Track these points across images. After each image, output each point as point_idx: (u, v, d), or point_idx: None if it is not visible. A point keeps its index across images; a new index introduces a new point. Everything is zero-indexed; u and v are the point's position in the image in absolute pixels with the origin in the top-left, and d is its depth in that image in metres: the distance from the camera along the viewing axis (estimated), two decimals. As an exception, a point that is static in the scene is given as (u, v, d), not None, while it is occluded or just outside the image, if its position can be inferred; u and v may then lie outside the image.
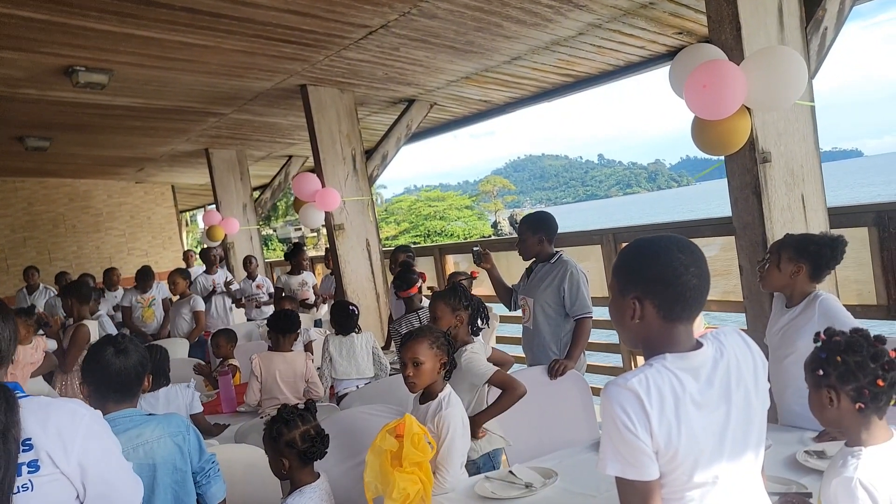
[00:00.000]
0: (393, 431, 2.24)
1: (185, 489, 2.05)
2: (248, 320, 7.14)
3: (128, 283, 7.88)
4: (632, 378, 1.32)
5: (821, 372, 1.57)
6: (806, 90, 3.25)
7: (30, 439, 1.48)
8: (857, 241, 3.81)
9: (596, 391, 3.58)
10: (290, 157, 9.99)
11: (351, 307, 4.30)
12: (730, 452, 1.36)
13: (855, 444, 1.58)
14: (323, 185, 6.07)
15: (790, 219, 3.39)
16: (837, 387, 1.56)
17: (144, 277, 6.90)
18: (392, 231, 43.41)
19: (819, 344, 1.62)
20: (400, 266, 5.03)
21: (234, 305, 7.27)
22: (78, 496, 1.56)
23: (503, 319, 5.86)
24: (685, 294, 1.36)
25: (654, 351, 1.39)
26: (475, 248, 3.91)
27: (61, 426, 1.52)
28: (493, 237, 34.89)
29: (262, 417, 3.55)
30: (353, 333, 4.23)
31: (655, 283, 1.37)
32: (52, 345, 4.52)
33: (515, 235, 3.92)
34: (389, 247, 6.57)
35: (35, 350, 4.61)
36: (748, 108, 3.12)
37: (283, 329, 3.96)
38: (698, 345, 1.40)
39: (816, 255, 2.52)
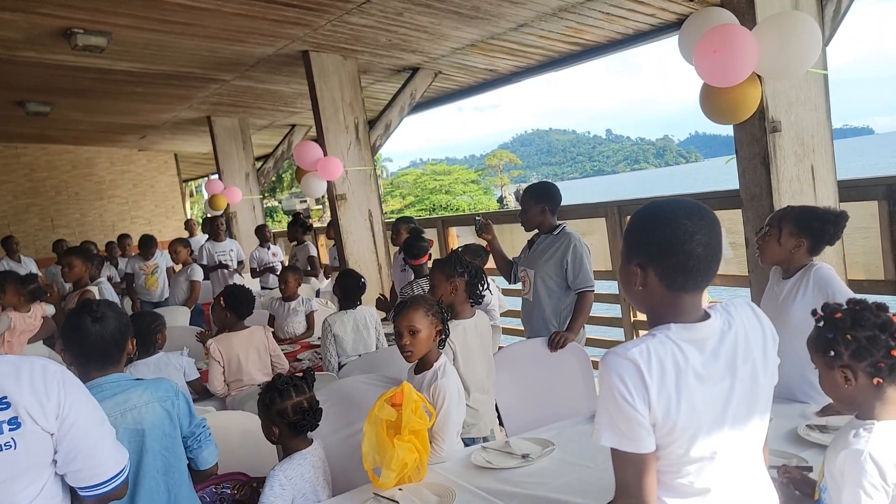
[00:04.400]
0: (390, 400, 2.22)
1: (175, 454, 2.02)
2: (263, 289, 7.13)
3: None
4: (632, 348, 1.27)
5: (832, 353, 1.52)
6: (819, 58, 3.15)
7: (6, 397, 1.46)
8: (867, 215, 3.73)
9: (596, 364, 3.54)
10: (293, 126, 9.91)
11: (361, 280, 4.18)
12: (730, 427, 1.31)
13: (867, 417, 1.53)
14: (325, 154, 6.00)
15: (798, 190, 3.32)
16: (853, 365, 1.51)
17: (146, 245, 6.90)
18: (397, 204, 43.25)
19: (821, 324, 1.56)
20: (409, 234, 4.99)
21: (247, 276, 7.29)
22: (55, 452, 1.54)
23: (503, 293, 5.82)
24: (688, 264, 1.29)
25: (660, 320, 1.34)
26: (477, 219, 3.85)
27: (35, 382, 1.49)
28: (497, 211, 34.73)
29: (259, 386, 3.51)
30: (357, 307, 4.12)
31: (658, 250, 1.31)
32: (51, 309, 4.51)
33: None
34: (394, 219, 6.51)
35: (33, 318, 4.61)
36: (759, 76, 3.03)
37: (243, 309, 3.76)
38: (706, 316, 1.35)
39: (820, 231, 2.48)
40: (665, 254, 1.30)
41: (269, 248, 7.39)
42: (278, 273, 7.17)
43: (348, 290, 4.11)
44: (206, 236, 7.85)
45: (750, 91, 2.99)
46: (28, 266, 8.22)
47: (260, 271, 7.25)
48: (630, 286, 1.37)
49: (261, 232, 7.65)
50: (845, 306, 1.56)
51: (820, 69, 3.39)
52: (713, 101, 3.05)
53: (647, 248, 1.33)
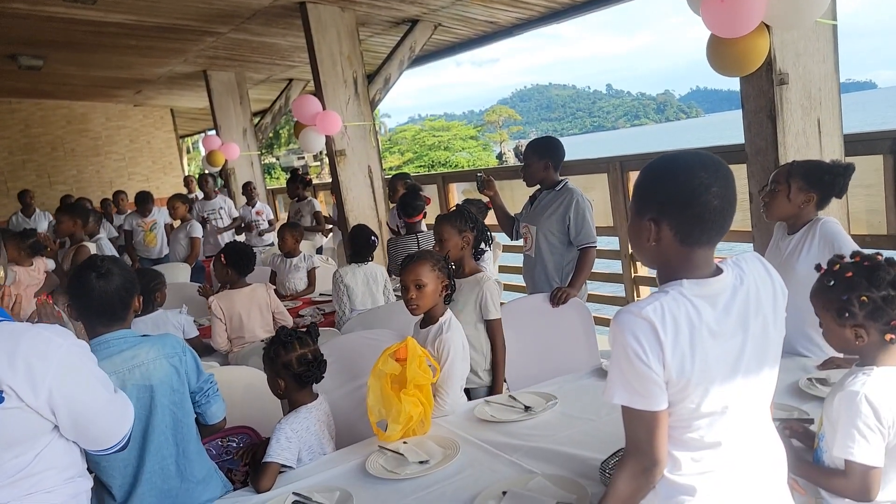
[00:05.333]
0: (394, 355, 2.23)
1: (183, 410, 2.03)
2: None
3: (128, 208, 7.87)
4: (646, 306, 1.24)
5: (847, 314, 1.53)
6: (829, 7, 3.08)
7: None
8: (872, 169, 3.70)
9: (598, 320, 3.55)
10: (291, 80, 9.76)
11: (371, 236, 4.16)
12: (741, 382, 1.31)
13: (868, 364, 1.55)
14: (324, 108, 5.92)
15: (804, 144, 3.28)
16: (866, 324, 1.52)
17: (143, 201, 6.87)
18: (396, 161, 42.89)
19: (832, 283, 1.55)
20: (407, 190, 4.95)
21: (233, 233, 7.24)
22: (55, 426, 1.52)
23: (504, 249, 5.82)
24: (704, 216, 1.26)
25: (671, 276, 1.32)
26: (478, 175, 3.83)
27: (32, 360, 1.44)
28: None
29: (262, 341, 3.54)
30: (368, 262, 4.11)
31: (673, 204, 1.28)
32: (52, 264, 4.51)
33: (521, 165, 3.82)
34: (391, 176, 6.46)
35: (37, 272, 4.62)
36: (767, 26, 2.96)
37: (244, 266, 3.77)
38: (718, 271, 1.32)
39: (830, 184, 2.45)
40: (681, 207, 1.27)
41: (253, 207, 7.34)
42: (263, 231, 7.17)
43: (358, 245, 4.11)
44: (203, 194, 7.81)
45: (758, 42, 2.92)
46: (39, 221, 8.24)
47: (237, 228, 7.21)
48: (641, 242, 1.34)
49: (245, 190, 7.57)
50: (853, 262, 1.55)
51: (829, 19, 3.31)
52: (720, 52, 2.98)
53: (662, 202, 1.29)
